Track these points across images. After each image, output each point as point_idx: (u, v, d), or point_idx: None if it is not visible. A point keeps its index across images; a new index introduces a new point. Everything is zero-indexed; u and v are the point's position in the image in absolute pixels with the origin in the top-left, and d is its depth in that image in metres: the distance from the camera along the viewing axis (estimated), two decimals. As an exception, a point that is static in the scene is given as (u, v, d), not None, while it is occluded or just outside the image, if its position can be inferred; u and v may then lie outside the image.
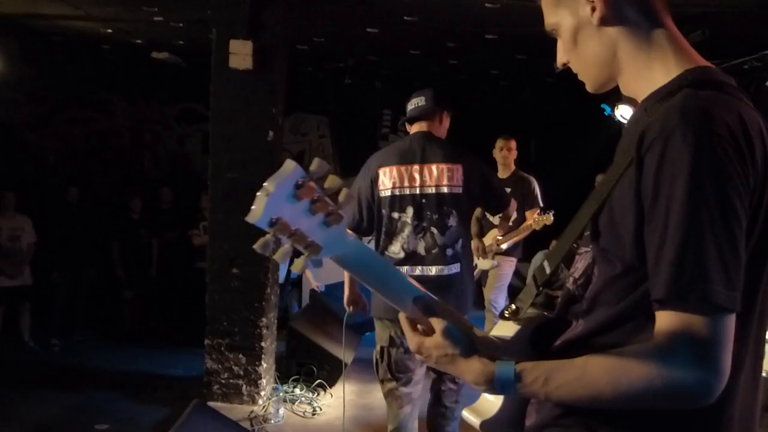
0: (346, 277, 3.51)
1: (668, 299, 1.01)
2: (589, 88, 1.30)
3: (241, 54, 4.43)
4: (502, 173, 5.79)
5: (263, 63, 4.59)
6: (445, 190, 3.31)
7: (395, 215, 3.33)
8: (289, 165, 0.97)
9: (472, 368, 1.15)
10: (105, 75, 8.72)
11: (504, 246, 5.56)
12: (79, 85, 8.83)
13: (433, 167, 3.33)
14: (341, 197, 1.02)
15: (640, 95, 1.22)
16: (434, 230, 3.29)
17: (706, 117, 1.03)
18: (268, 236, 0.97)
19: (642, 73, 1.21)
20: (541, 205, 5.61)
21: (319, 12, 5.48)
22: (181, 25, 6.00)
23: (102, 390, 5.18)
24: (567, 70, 1.33)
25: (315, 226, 1.00)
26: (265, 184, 0.95)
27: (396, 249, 3.32)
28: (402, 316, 1.25)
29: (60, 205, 6.72)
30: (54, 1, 5.46)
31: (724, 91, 1.11)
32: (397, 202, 3.32)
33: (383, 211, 3.35)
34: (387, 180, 3.35)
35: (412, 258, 3.29)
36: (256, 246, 0.98)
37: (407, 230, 3.30)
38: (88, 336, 6.74)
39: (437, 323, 1.19)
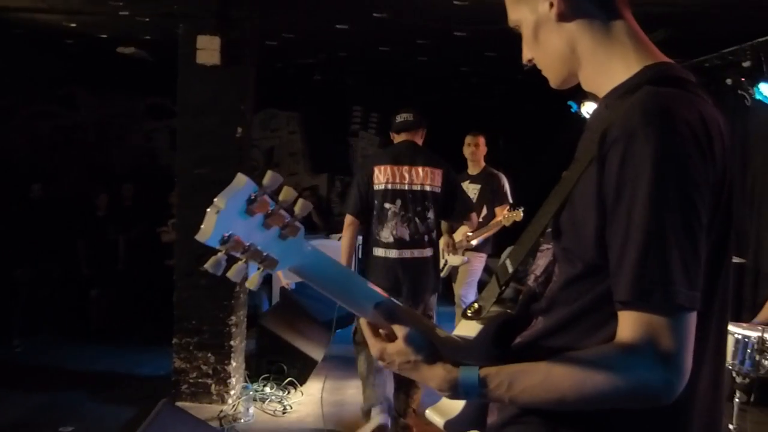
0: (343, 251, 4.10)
1: (631, 300, 1.01)
2: (552, 83, 1.30)
3: (208, 49, 4.39)
4: (472, 170, 5.83)
5: (231, 59, 4.55)
6: (428, 188, 4.13)
7: (387, 205, 4.05)
8: (241, 179, 0.94)
9: (435, 374, 1.15)
10: (69, 69, 8.57)
11: (474, 242, 5.60)
12: (42, 79, 8.67)
13: (420, 169, 4.14)
14: (297, 208, 1.00)
15: (601, 91, 1.22)
16: (417, 220, 4.07)
17: (668, 115, 1.03)
18: (219, 254, 0.95)
19: (602, 69, 1.21)
20: (511, 201, 5.66)
21: (289, 8, 5.44)
22: (147, 19, 5.91)
23: (67, 390, 5.08)
24: (534, 68, 1.32)
25: (270, 240, 0.98)
26: (215, 200, 0.93)
27: (386, 234, 4.04)
28: (363, 322, 1.23)
29: (23, 201, 6.58)
30: (16, -8, 5.34)
31: (685, 88, 1.12)
32: (389, 194, 4.07)
33: (376, 201, 4.08)
34: (381, 176, 4.10)
35: (399, 242, 4.03)
36: (207, 266, 0.95)
37: (396, 219, 4.03)
38: (51, 335, 6.61)
39: (399, 329, 1.17)
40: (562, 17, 1.20)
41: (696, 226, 1.02)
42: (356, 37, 6.42)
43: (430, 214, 4.13)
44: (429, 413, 1.34)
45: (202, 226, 0.92)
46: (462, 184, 5.83)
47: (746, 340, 3.72)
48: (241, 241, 0.94)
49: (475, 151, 5.75)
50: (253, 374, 5.09)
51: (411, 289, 4.00)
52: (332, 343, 5.50)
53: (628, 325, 1.02)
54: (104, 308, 7.02)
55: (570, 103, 6.96)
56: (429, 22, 5.54)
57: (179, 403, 4.47)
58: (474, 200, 5.68)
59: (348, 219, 4.13)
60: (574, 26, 1.21)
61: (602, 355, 1.05)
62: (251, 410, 4.59)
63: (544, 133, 8.22)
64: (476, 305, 1.34)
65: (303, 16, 5.77)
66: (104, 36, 6.81)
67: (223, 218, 0.92)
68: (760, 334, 3.72)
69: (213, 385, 4.75)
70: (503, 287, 1.31)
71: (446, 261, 5.86)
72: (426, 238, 4.10)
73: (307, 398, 4.96)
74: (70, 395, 4.99)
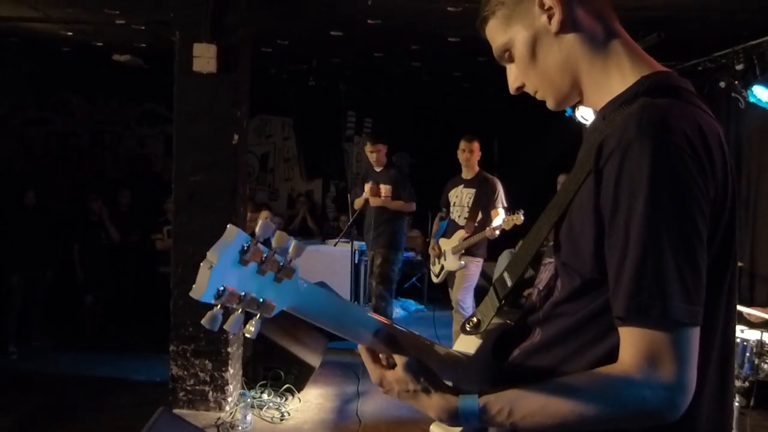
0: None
1: (629, 315, 1.00)
2: (551, 104, 1.27)
3: (205, 57, 4.40)
4: (466, 174, 5.85)
5: (227, 66, 4.56)
6: None
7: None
8: (232, 232, 0.93)
9: (434, 404, 1.14)
10: (64, 76, 8.58)
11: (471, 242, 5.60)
12: (37, 86, 8.67)
13: None
14: (292, 251, 0.99)
15: (599, 104, 1.20)
16: None
17: (664, 127, 1.02)
18: (215, 309, 0.95)
19: (599, 81, 1.19)
20: (505, 205, 5.67)
21: (283, 14, 5.46)
22: (142, 27, 5.93)
23: (63, 397, 5.08)
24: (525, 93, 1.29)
25: (265, 285, 0.98)
26: (207, 254, 0.92)
27: None
28: (362, 348, 1.22)
29: (17, 207, 6.56)
30: (12, 3, 5.34)
31: (682, 98, 1.10)
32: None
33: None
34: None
35: None
36: (203, 322, 0.94)
37: None
38: (46, 341, 6.57)
39: (399, 358, 1.17)
40: (563, 29, 1.18)
41: (695, 240, 1.00)
42: (350, 43, 6.44)
43: None
44: (433, 428, 1.35)
45: (196, 284, 0.92)
46: (457, 188, 5.88)
47: (745, 343, 3.74)
48: (236, 293, 0.94)
49: (469, 156, 5.78)
50: (250, 381, 5.08)
51: None
52: (329, 349, 5.50)
53: (628, 342, 1.01)
54: (99, 314, 7.01)
55: (564, 107, 6.98)
56: (422, 28, 5.57)
57: (176, 410, 4.47)
58: (469, 205, 5.72)
59: None
60: (572, 38, 1.19)
61: (603, 377, 1.03)
62: (249, 417, 4.59)
63: (537, 137, 8.26)
64: (475, 319, 1.33)
65: (297, 23, 5.79)
66: (100, 44, 6.81)
67: (217, 272, 0.91)
68: (759, 337, 3.75)
69: (210, 392, 4.75)
70: (503, 301, 1.30)
71: (442, 266, 5.87)
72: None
73: (304, 405, 4.96)
74: (65, 402, 4.99)
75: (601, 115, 1.18)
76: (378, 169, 6.43)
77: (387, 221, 6.29)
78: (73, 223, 7.14)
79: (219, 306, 0.95)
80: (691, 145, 1.01)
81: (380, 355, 1.21)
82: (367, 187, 6.40)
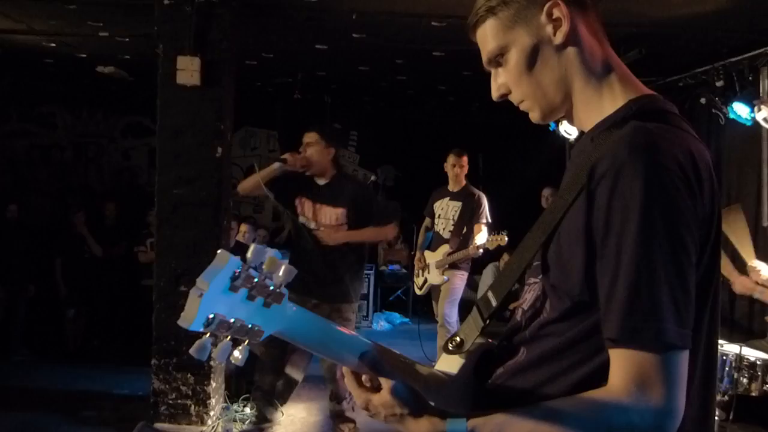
0: None
1: (621, 337, 1.00)
2: (536, 116, 1.25)
3: (188, 70, 4.39)
4: (453, 187, 5.85)
5: (211, 78, 4.55)
6: None
7: None
8: (223, 257, 0.91)
9: (421, 428, 1.12)
10: (47, 88, 8.55)
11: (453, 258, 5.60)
12: (20, 98, 8.62)
13: None
14: (282, 274, 0.97)
15: (587, 124, 1.20)
16: None
17: (656, 151, 1.02)
18: (204, 338, 0.93)
19: (590, 100, 1.19)
20: (489, 220, 5.66)
21: (268, 28, 5.47)
22: (126, 39, 5.92)
23: (43, 411, 5.01)
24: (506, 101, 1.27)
25: (254, 312, 0.96)
26: (197, 281, 0.90)
27: None
28: (347, 371, 1.21)
29: (-1, 220, 6.52)
30: (-7, 14, 5.32)
31: (671, 122, 1.11)
32: None
33: None
34: None
35: None
36: (192, 351, 0.93)
37: None
38: (26, 355, 6.51)
39: (385, 382, 1.15)
40: (566, 42, 1.16)
41: (685, 263, 1.01)
42: (336, 56, 6.46)
43: None
44: None
45: (184, 312, 0.90)
46: (443, 200, 5.86)
47: (724, 357, 3.78)
48: (225, 320, 0.92)
49: (459, 172, 5.75)
50: (233, 395, 5.05)
51: None
52: (313, 363, 5.47)
53: (619, 365, 1.01)
54: (81, 328, 6.95)
55: (548, 121, 7.04)
56: (407, 43, 5.61)
57: (158, 425, 4.43)
58: (455, 219, 5.71)
59: None
60: (572, 53, 1.18)
61: (591, 401, 1.03)
62: (232, 431, 4.55)
63: (522, 151, 8.31)
64: (458, 338, 1.31)
65: (282, 36, 5.80)
66: (83, 55, 6.79)
67: (207, 300, 0.90)
68: (737, 352, 3.78)
69: (192, 406, 4.71)
70: (487, 321, 1.28)
71: (425, 279, 5.87)
72: None
73: (287, 419, 4.93)
74: (46, 416, 4.92)
75: (589, 137, 1.18)
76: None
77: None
78: (56, 236, 7.09)
79: (208, 334, 0.93)
80: (681, 168, 1.02)
81: (363, 377, 1.20)
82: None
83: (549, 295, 1.16)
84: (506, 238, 5.29)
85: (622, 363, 1.01)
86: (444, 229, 5.75)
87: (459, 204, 5.73)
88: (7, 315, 6.36)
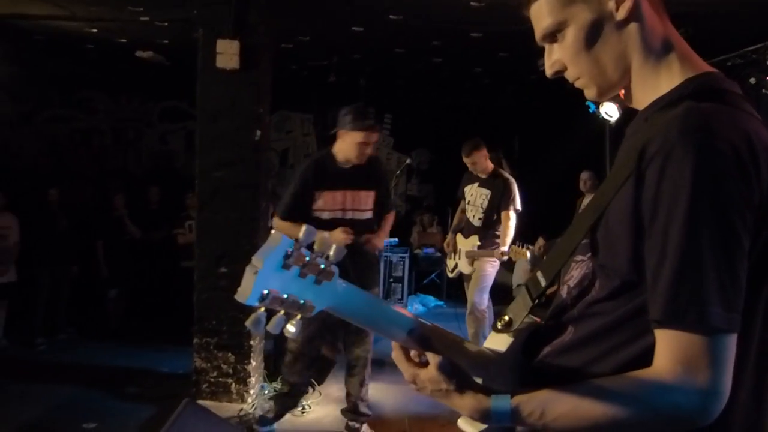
0: None
1: (665, 319, 1.00)
2: (592, 93, 1.21)
3: (228, 54, 4.44)
4: (482, 173, 5.71)
5: (249, 62, 4.60)
6: None
7: None
8: (276, 237, 0.96)
9: (466, 404, 1.14)
10: (88, 73, 8.69)
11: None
12: (61, 83, 8.79)
13: None
14: (332, 254, 1.02)
15: (642, 103, 1.18)
16: None
17: (708, 133, 1.00)
18: (259, 312, 0.98)
19: (648, 78, 1.16)
20: (519, 208, 5.43)
21: (305, 11, 5.49)
22: (166, 24, 5.99)
23: (89, 388, 5.16)
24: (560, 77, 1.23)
25: (306, 288, 1.01)
26: (252, 259, 0.95)
27: None
28: (395, 346, 1.23)
29: (41, 203, 6.68)
30: (38, 1, 5.42)
31: (727, 102, 1.08)
32: None
33: None
34: None
35: None
36: (248, 323, 0.97)
37: None
38: (71, 334, 6.71)
39: (432, 357, 1.17)
40: (629, 18, 1.13)
41: (734, 247, 0.99)
42: (371, 38, 6.46)
43: None
44: (461, 423, 1.35)
45: (240, 288, 0.95)
46: (472, 185, 5.75)
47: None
48: (278, 296, 0.97)
49: (473, 167, 5.60)
50: (271, 374, 5.13)
51: None
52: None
53: (664, 346, 1.01)
54: (123, 308, 7.12)
55: (588, 103, 6.93)
56: (444, 24, 5.58)
57: (200, 402, 4.52)
58: (484, 207, 5.56)
59: None
60: (634, 30, 1.14)
61: (637, 380, 1.03)
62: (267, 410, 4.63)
63: (559, 134, 8.22)
64: (507, 317, 1.32)
65: (319, 19, 5.82)
66: (123, 40, 6.90)
67: (261, 277, 0.95)
68: None
69: (233, 384, 4.81)
70: (536, 300, 1.29)
71: (456, 264, 5.83)
72: None
73: (324, 398, 4.99)
74: (92, 393, 5.07)
75: (643, 116, 1.16)
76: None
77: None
78: (96, 219, 7.25)
79: (263, 309, 0.98)
80: (735, 151, 0.99)
81: (412, 353, 1.22)
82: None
83: (598, 274, 1.16)
84: (528, 255, 5.15)
85: (667, 344, 1.00)
86: (474, 216, 5.63)
87: (488, 192, 5.55)
88: (52, 295, 6.55)
